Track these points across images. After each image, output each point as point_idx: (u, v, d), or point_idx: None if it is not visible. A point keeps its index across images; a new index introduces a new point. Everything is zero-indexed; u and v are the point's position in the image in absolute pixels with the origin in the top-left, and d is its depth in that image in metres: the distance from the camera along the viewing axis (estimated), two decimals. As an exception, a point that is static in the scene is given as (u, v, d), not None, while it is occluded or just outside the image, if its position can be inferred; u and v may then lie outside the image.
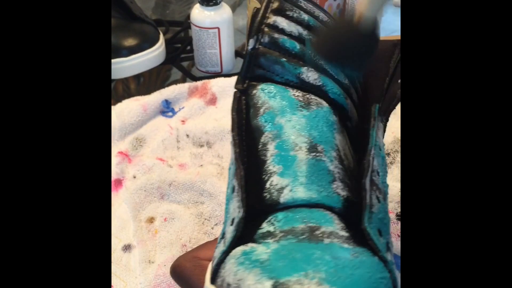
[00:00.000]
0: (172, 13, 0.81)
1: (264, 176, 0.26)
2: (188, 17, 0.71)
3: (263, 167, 0.26)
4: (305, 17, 0.31)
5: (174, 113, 0.56)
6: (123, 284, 0.39)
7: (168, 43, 0.67)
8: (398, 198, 0.46)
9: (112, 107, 0.55)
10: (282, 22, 0.30)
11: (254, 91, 0.29)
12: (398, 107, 0.56)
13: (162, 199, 0.46)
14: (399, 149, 0.51)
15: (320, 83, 0.30)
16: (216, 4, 0.59)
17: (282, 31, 0.30)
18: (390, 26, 0.74)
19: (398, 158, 0.50)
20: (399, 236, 0.43)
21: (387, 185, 0.28)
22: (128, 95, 0.60)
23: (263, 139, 0.27)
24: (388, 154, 0.51)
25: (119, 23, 0.63)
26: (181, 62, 0.67)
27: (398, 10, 0.79)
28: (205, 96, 0.57)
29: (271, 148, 0.27)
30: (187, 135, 0.53)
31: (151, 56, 0.63)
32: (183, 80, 0.64)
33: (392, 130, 0.53)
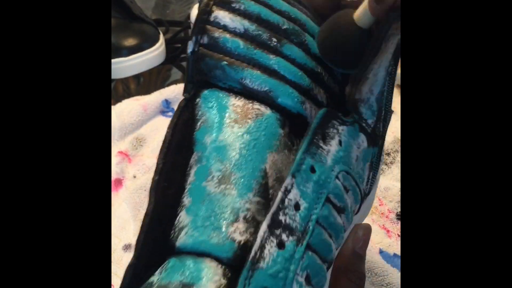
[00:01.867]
0: (172, 13, 0.81)
1: (178, 209, 0.23)
2: (188, 17, 0.71)
3: (181, 197, 0.23)
4: (256, 8, 0.27)
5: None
6: (123, 284, 0.39)
7: (168, 43, 0.67)
8: (398, 198, 0.46)
9: (112, 107, 0.55)
10: (224, 17, 0.26)
11: (198, 100, 0.26)
12: (398, 108, 0.56)
13: (162, 199, 0.46)
14: (399, 149, 0.51)
15: (266, 88, 0.25)
16: (216, 4, 0.59)
17: (224, 28, 0.26)
18: (390, 26, 0.74)
19: (398, 158, 0.50)
20: (399, 236, 0.43)
21: (315, 214, 0.23)
22: (128, 95, 0.60)
23: (191, 161, 0.24)
24: (388, 154, 0.51)
25: (119, 23, 0.63)
26: (181, 62, 0.67)
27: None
28: (205, 96, 0.57)
29: (192, 174, 0.24)
30: (187, 135, 0.53)
31: (151, 56, 0.63)
32: (183, 80, 0.64)
33: (392, 130, 0.53)
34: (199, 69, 0.26)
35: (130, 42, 0.62)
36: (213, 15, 0.26)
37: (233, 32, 0.26)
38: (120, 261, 0.40)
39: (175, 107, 0.56)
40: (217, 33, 0.26)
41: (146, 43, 0.63)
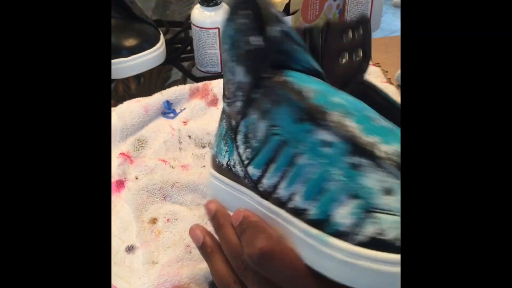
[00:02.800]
0: (173, 13, 0.81)
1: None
2: (189, 17, 0.71)
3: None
4: None
5: (175, 114, 0.56)
6: (127, 285, 0.39)
7: (168, 43, 0.67)
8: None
9: (114, 108, 0.55)
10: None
11: (283, 78, 0.29)
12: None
13: (164, 200, 0.46)
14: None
15: (322, 71, 0.31)
16: (216, 4, 0.59)
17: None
18: (390, 26, 0.74)
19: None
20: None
21: None
22: (129, 95, 0.61)
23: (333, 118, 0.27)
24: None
25: (120, 23, 0.63)
26: (182, 62, 0.67)
27: (398, 11, 0.79)
28: (207, 97, 0.57)
29: (350, 124, 0.27)
30: (189, 136, 0.53)
31: (152, 56, 0.63)
32: (183, 80, 0.64)
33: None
34: (282, 50, 0.29)
35: (130, 42, 0.62)
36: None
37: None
38: (123, 262, 0.40)
39: (177, 108, 0.56)
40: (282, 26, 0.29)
41: (146, 43, 0.63)
